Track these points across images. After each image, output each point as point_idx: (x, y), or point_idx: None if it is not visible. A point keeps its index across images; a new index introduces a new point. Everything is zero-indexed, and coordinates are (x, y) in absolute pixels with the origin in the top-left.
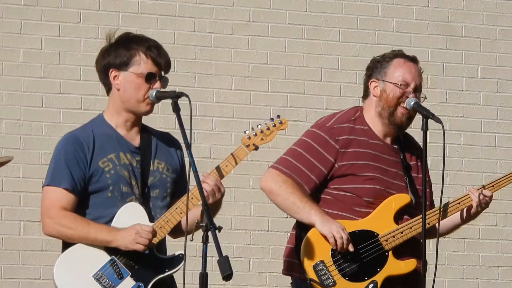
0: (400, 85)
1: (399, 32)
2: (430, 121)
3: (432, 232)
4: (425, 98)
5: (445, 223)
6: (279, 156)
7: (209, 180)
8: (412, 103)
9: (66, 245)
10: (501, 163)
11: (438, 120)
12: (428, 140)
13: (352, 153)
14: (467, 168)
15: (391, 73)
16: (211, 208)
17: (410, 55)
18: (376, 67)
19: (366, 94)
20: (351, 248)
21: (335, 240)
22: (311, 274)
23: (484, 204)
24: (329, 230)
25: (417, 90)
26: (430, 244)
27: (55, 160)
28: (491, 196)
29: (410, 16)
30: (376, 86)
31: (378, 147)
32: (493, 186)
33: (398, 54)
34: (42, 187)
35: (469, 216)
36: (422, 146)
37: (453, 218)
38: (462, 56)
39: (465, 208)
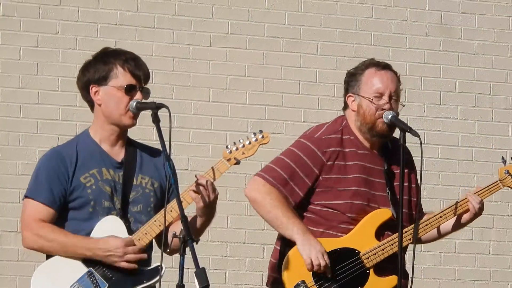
0: (373, 98)
1: (377, 45)
2: (407, 134)
3: (422, 240)
4: (403, 106)
5: (435, 232)
6: (267, 164)
7: (203, 180)
8: (390, 116)
9: (49, 255)
10: (478, 177)
11: (416, 134)
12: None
13: (338, 166)
14: (444, 182)
15: (364, 87)
16: (206, 214)
17: (383, 62)
18: (351, 81)
19: (345, 107)
20: (328, 273)
21: (312, 266)
22: None
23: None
24: (308, 255)
25: (393, 97)
26: (407, 257)
27: (36, 174)
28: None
29: (388, 29)
30: (354, 101)
31: (365, 157)
32: (479, 194)
33: (370, 64)
34: (23, 198)
35: (459, 224)
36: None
37: (445, 226)
38: (440, 70)
39: (456, 217)
